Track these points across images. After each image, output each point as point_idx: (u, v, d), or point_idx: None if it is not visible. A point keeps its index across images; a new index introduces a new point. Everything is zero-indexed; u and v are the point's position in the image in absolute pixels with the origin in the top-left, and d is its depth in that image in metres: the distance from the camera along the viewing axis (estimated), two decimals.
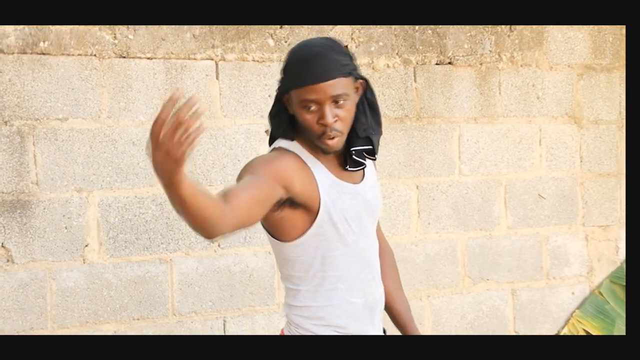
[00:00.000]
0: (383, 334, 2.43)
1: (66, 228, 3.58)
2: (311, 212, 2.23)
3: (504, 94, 4.44)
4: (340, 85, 2.18)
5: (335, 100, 2.18)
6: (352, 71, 2.22)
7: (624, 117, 4.74)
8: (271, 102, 3.89)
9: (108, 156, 3.64)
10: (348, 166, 2.31)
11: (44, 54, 3.52)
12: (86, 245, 3.62)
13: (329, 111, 2.17)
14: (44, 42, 3.52)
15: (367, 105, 2.32)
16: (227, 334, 3.88)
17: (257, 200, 2.08)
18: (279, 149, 2.29)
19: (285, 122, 2.29)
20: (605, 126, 4.71)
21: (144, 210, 3.71)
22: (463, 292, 4.42)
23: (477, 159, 4.40)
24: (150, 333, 3.74)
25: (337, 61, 2.18)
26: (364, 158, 2.33)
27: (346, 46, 2.29)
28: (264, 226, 2.31)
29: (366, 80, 2.30)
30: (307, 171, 2.24)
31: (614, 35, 4.69)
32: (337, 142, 2.22)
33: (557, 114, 4.58)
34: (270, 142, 2.36)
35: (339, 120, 2.20)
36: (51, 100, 3.54)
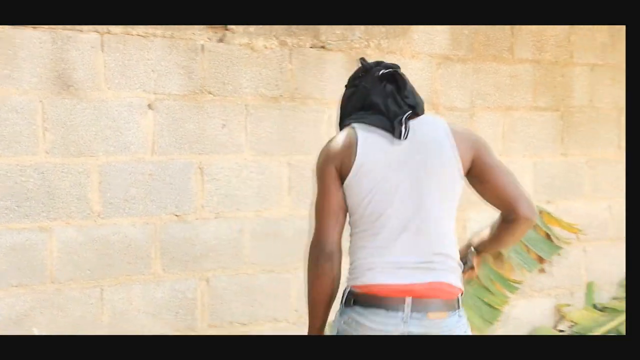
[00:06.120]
0: None
1: None
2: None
3: None
4: None
5: None
6: None
7: (475, 106, 5.10)
8: (155, 76, 4.01)
9: None
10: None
11: None
12: None
13: None
14: None
15: None
16: (103, 302, 3.95)
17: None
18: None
19: None
20: (459, 113, 5.04)
21: (25, 178, 3.73)
22: None
23: None
24: (29, 300, 3.76)
25: None
26: None
27: None
28: None
29: None
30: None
31: (470, 29, 5.03)
32: None
33: None
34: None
35: None
36: None
